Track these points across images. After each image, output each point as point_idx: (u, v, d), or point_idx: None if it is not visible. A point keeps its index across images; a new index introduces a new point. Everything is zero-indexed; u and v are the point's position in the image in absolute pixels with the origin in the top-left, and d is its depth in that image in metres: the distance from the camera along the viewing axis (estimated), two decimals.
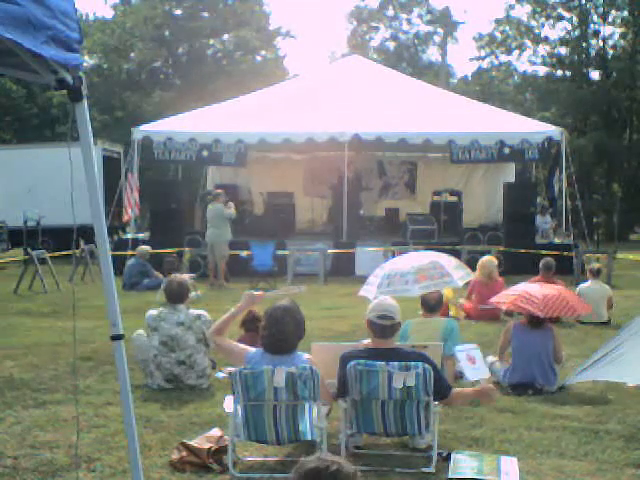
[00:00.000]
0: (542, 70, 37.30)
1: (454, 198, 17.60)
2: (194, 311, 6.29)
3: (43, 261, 12.95)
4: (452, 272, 6.66)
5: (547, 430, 5.02)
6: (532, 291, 6.33)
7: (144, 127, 16.41)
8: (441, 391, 4.39)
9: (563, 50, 35.60)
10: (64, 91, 2.99)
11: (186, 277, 7.54)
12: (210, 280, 13.47)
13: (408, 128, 15.51)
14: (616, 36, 34.64)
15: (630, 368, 3.25)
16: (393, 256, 14.07)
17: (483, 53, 39.27)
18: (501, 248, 14.62)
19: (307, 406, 4.25)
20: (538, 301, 6.13)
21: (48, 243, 17.24)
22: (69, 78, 2.95)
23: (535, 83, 36.57)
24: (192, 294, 7.72)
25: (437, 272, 6.58)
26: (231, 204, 13.92)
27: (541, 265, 9.72)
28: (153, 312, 6.26)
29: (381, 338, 4.48)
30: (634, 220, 32.23)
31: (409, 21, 45.43)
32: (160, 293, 10.92)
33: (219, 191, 14.31)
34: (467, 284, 10.11)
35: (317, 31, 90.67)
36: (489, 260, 9.92)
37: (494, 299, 6.87)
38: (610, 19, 34.14)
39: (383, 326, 4.44)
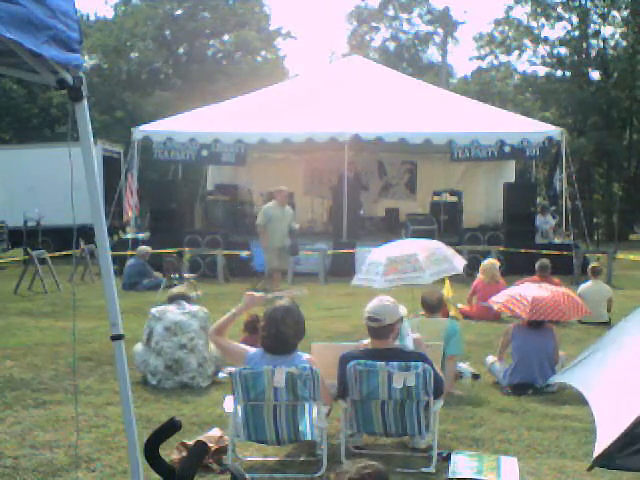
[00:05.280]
0: (542, 70, 37.33)
1: (454, 198, 17.59)
2: (196, 306, 6.56)
3: (43, 261, 12.94)
4: (428, 267, 6.44)
5: (547, 430, 5.02)
6: (525, 293, 6.34)
7: (144, 127, 16.41)
8: (438, 388, 4.41)
9: (563, 50, 35.61)
10: (64, 91, 2.99)
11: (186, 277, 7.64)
12: (271, 289, 10.92)
13: (408, 128, 15.50)
14: (616, 36, 34.67)
15: (580, 371, 3.30)
16: None
17: (483, 53, 39.29)
18: (501, 248, 14.61)
19: (307, 406, 4.25)
20: (527, 303, 6.15)
21: (48, 243, 17.22)
22: (69, 78, 2.95)
23: (535, 83, 36.56)
24: (192, 294, 7.80)
25: (409, 266, 6.40)
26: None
27: (537, 266, 9.86)
28: (159, 307, 6.49)
29: (375, 339, 4.48)
30: (634, 220, 32.24)
31: (409, 21, 45.47)
32: (160, 293, 10.94)
33: (283, 188, 12.11)
34: (469, 286, 10.15)
35: (317, 31, 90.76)
36: (491, 263, 9.99)
37: (492, 299, 6.89)
38: (610, 19, 34.14)
39: (371, 327, 4.45)
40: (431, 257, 6.48)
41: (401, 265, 6.37)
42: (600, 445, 2.49)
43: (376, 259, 6.74)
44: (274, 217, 11.63)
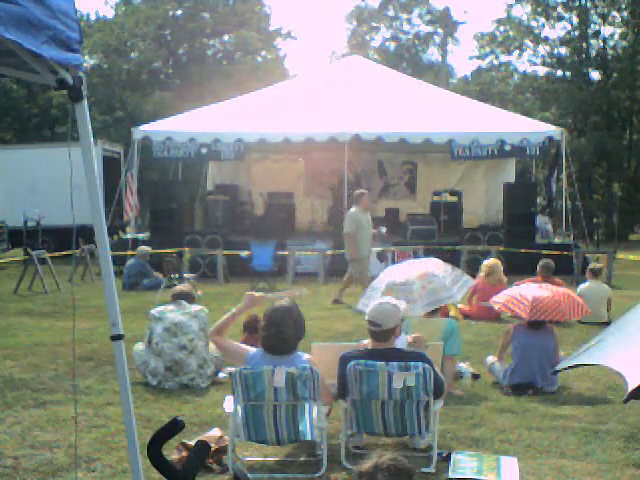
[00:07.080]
0: (542, 70, 37.31)
1: (454, 198, 17.58)
2: (197, 306, 6.53)
3: (43, 261, 12.93)
4: (421, 298, 6.20)
5: (547, 430, 5.02)
6: (525, 293, 6.34)
7: (144, 127, 16.41)
8: (438, 388, 4.41)
9: (563, 50, 35.60)
10: (64, 91, 2.99)
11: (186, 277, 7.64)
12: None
13: (408, 128, 15.49)
14: (616, 36, 34.64)
15: (605, 351, 3.38)
16: (393, 256, 14.09)
17: (483, 53, 39.26)
18: (501, 248, 14.60)
19: (307, 406, 4.25)
20: (527, 303, 6.15)
21: (48, 243, 17.22)
22: (69, 78, 2.95)
23: (535, 83, 36.55)
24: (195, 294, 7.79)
25: (403, 296, 6.13)
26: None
27: (540, 266, 9.80)
28: (159, 307, 6.47)
29: (375, 341, 4.49)
30: (634, 220, 32.21)
31: (409, 21, 45.47)
32: (161, 293, 10.94)
33: (364, 191, 11.51)
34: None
35: (317, 31, 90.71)
36: (496, 264, 9.94)
37: (492, 299, 6.88)
38: (610, 19, 34.13)
39: (371, 331, 4.47)
40: (427, 286, 6.36)
41: (396, 294, 6.29)
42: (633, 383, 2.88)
43: (377, 285, 6.70)
44: (361, 223, 10.97)
